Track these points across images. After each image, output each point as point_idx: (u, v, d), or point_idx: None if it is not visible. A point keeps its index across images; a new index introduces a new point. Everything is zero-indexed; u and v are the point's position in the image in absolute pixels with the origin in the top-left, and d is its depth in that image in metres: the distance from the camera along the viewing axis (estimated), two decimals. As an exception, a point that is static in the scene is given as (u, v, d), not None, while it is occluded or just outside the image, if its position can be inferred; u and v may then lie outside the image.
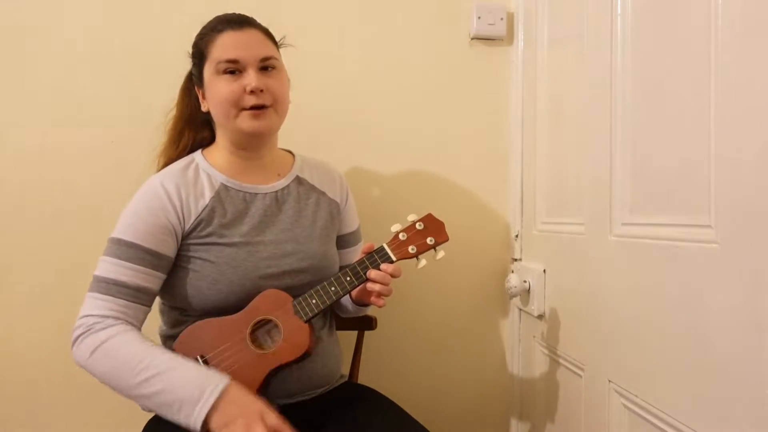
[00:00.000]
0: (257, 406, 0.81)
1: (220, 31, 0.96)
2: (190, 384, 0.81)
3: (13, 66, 1.29)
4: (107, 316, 0.89)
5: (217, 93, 0.95)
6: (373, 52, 1.43)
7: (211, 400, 0.79)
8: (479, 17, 1.44)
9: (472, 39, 1.47)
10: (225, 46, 0.95)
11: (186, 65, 1.08)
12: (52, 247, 1.31)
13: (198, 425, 0.78)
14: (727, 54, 0.73)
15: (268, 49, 0.98)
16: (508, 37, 1.48)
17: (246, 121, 0.96)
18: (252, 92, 0.94)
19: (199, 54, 0.99)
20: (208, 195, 0.98)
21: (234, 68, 0.95)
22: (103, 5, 1.32)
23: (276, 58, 1.00)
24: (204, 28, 1.01)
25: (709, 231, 0.75)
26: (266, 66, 0.97)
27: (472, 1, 1.45)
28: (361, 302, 1.05)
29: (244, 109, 0.95)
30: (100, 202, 1.31)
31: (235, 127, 0.97)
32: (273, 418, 0.81)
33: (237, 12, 1.01)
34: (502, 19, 1.45)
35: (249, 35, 0.97)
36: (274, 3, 1.33)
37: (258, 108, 0.95)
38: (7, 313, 1.30)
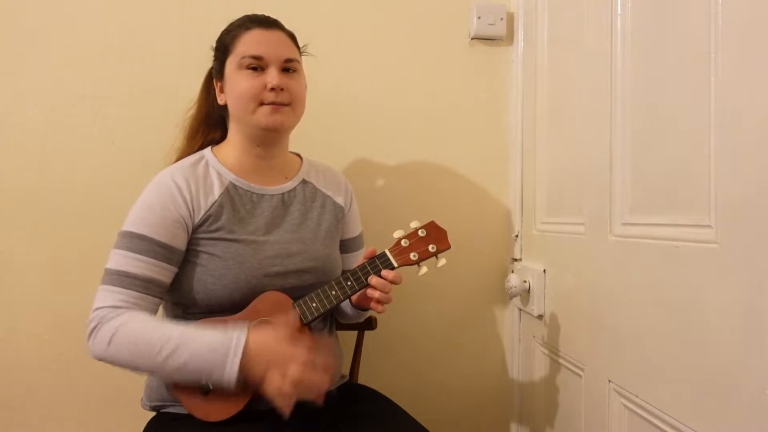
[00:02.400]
0: (282, 350, 0.83)
1: (248, 28, 0.99)
2: (212, 348, 0.84)
3: (13, 66, 1.29)
4: (119, 307, 0.89)
5: (237, 86, 0.97)
6: (372, 52, 1.43)
7: (237, 360, 0.83)
8: (479, 17, 1.44)
9: (472, 39, 1.47)
10: (251, 43, 0.97)
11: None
12: (52, 247, 1.31)
13: (232, 384, 0.83)
14: (727, 54, 0.73)
15: (291, 52, 1.01)
16: (508, 37, 1.48)
17: (264, 116, 0.97)
18: (272, 89, 0.96)
19: (223, 48, 1.01)
20: (217, 191, 0.99)
21: (257, 65, 0.97)
22: (104, 5, 1.32)
23: (298, 62, 1.02)
24: (231, 24, 1.02)
25: (709, 231, 0.75)
26: (288, 68, 0.99)
27: (472, 1, 1.45)
28: (361, 307, 1.05)
29: (263, 104, 0.97)
30: (100, 201, 1.31)
31: (253, 121, 0.98)
32: (302, 354, 0.83)
33: (235, 12, 1.01)
34: (502, 19, 1.45)
35: (275, 35, 0.99)
36: (274, 3, 1.33)
37: (277, 104, 0.97)
38: (7, 313, 1.30)
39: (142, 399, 1.03)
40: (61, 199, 1.31)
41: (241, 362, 0.83)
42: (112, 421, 1.34)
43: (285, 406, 0.81)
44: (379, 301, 0.95)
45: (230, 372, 0.83)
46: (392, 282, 0.95)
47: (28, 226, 1.30)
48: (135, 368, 0.88)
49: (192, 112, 1.10)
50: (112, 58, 1.32)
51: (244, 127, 1.01)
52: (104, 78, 1.32)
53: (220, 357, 0.84)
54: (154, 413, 1.00)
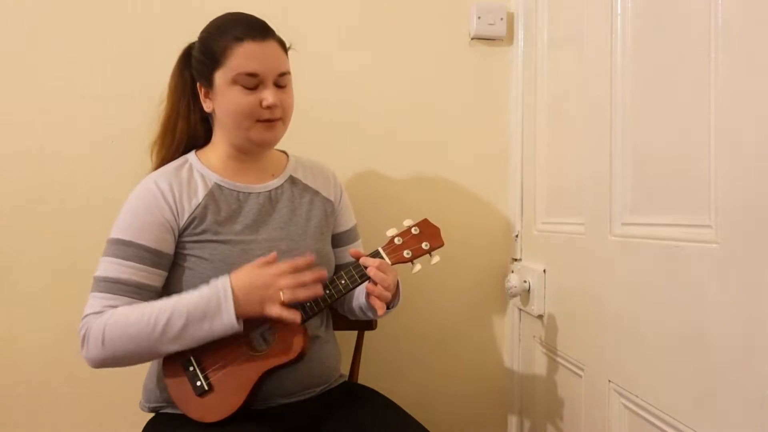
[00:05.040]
0: (265, 276, 0.89)
1: (240, 39, 0.94)
2: (203, 302, 0.88)
3: (13, 66, 1.29)
4: (105, 312, 0.89)
5: (231, 103, 0.95)
6: (372, 52, 1.43)
7: (230, 300, 0.87)
8: (479, 17, 1.44)
9: (472, 39, 1.47)
10: (245, 58, 0.94)
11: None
12: (52, 247, 1.31)
13: (234, 323, 0.87)
14: (727, 54, 0.73)
15: (284, 64, 0.99)
16: (508, 37, 1.48)
17: (258, 133, 0.97)
18: (268, 107, 0.95)
19: (212, 55, 0.96)
20: (201, 194, 0.99)
21: (252, 82, 0.94)
22: (103, 5, 1.32)
23: (289, 72, 1.00)
24: (218, 27, 0.98)
25: (709, 231, 0.75)
26: (281, 81, 0.98)
27: (472, 1, 1.45)
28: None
29: (258, 120, 0.96)
30: (100, 202, 1.31)
31: (246, 137, 0.98)
32: (283, 268, 0.89)
33: (241, 12, 1.00)
34: (502, 19, 1.45)
35: (269, 48, 0.96)
36: (274, 2, 1.33)
37: (270, 121, 0.97)
38: (8, 313, 1.30)
39: (140, 401, 1.03)
40: (62, 199, 1.31)
41: (234, 301, 0.87)
42: (111, 421, 1.34)
43: (294, 317, 0.88)
44: (378, 297, 0.95)
45: (229, 311, 0.86)
46: (377, 268, 0.95)
47: (28, 226, 1.30)
48: (137, 354, 0.88)
49: (164, 105, 1.06)
50: (112, 58, 1.32)
51: (234, 139, 1.00)
52: (104, 78, 1.32)
53: (214, 304, 0.87)
54: (152, 414, 1.00)
